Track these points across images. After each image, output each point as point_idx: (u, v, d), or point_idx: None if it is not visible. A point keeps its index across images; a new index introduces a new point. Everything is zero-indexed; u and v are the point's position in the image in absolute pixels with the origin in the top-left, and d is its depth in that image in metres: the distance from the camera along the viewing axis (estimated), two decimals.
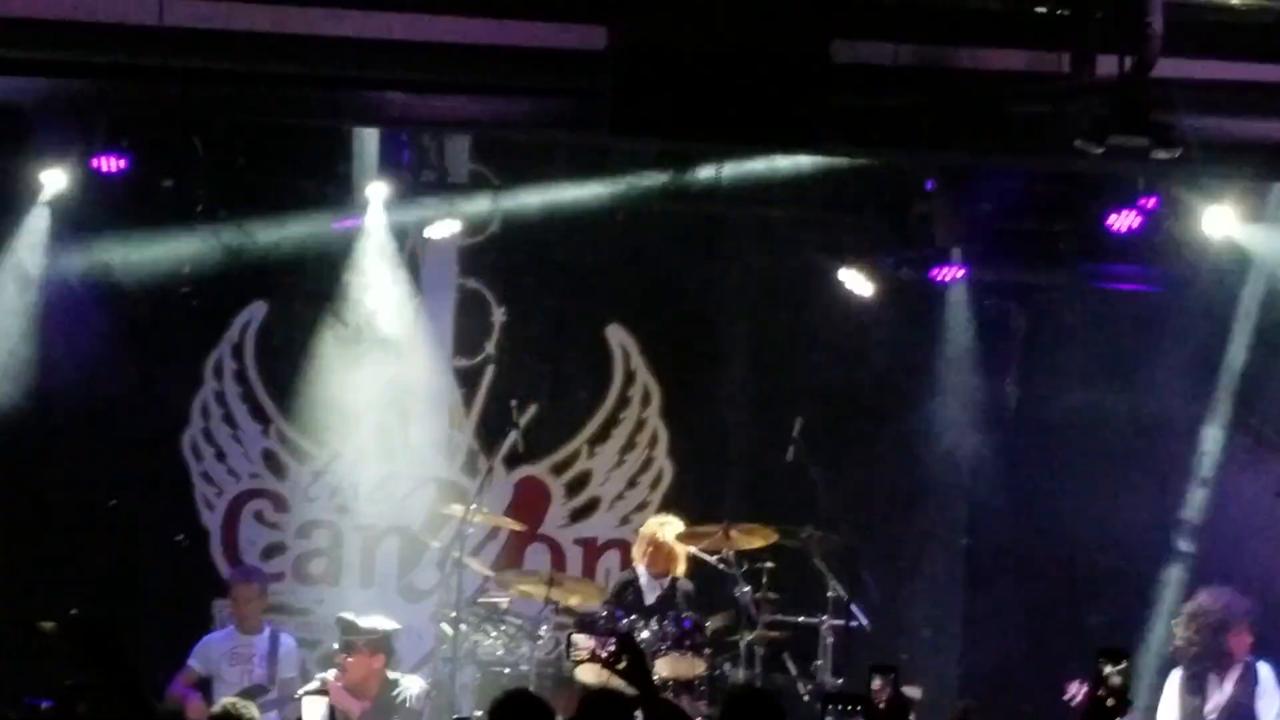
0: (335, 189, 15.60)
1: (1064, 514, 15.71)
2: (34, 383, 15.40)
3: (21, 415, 15.39)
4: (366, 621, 14.17)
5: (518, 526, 15.59)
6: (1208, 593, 13.65)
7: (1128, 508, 15.81)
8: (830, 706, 6.74)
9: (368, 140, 14.98)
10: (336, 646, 14.14)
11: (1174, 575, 15.80)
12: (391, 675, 14.11)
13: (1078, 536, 15.67)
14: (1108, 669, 7.14)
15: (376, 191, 15.25)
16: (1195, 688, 13.45)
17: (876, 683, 8.78)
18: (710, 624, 14.30)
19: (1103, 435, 15.94)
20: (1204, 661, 13.47)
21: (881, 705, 8.66)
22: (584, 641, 9.05)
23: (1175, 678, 13.62)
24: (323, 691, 12.51)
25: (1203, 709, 13.37)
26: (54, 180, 14.83)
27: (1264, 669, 13.34)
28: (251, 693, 13.97)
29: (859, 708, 6.65)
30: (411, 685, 14.08)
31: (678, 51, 11.27)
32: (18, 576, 14.82)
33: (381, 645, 14.16)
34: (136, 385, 15.82)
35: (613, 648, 8.65)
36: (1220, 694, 13.36)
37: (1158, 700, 13.73)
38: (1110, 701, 7.10)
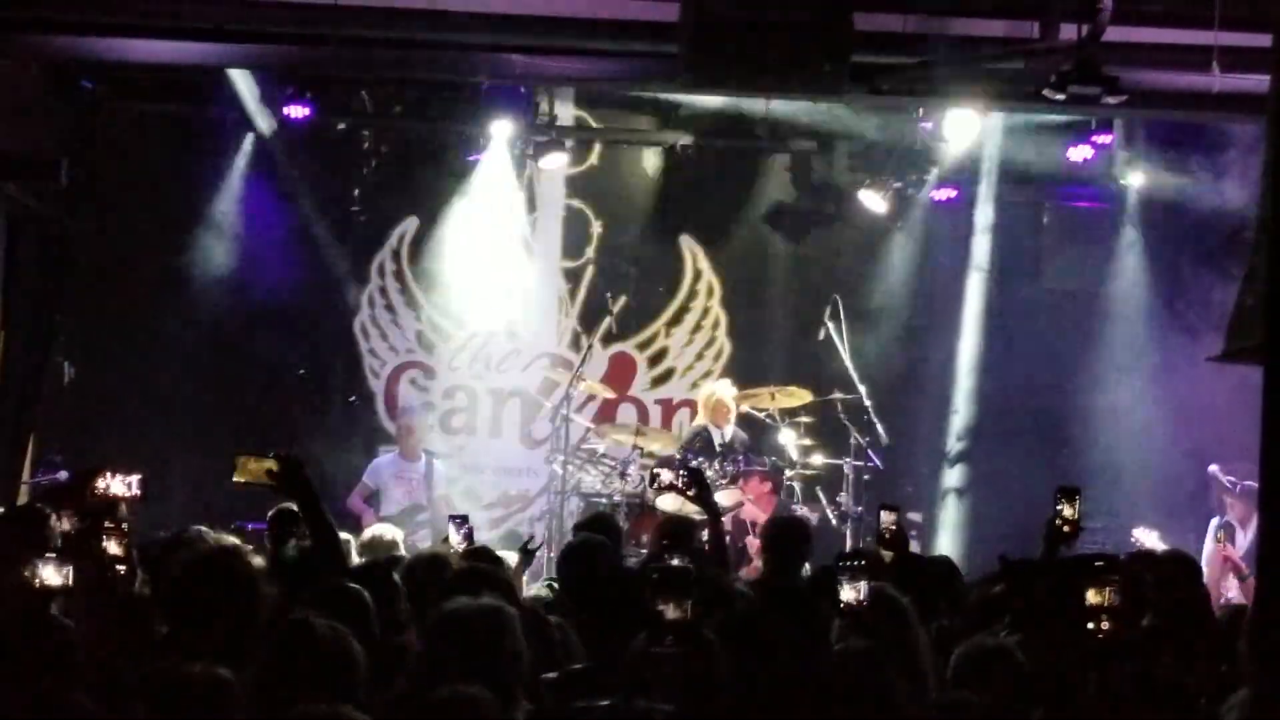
0: (469, 131, 15.74)
1: (1036, 383, 15.71)
2: (244, 279, 15.67)
3: (234, 304, 15.65)
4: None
5: (610, 393, 15.74)
6: (1217, 465, 13.60)
7: (1081, 373, 15.83)
8: (841, 564, 6.15)
9: (496, 92, 15.05)
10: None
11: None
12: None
13: (1048, 393, 15.64)
14: (1063, 504, 7.09)
15: (501, 131, 15.36)
16: (1226, 534, 13.33)
17: (884, 516, 8.71)
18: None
19: (1063, 317, 15.92)
20: (1225, 514, 13.44)
21: (888, 535, 8.73)
22: (664, 475, 8.99)
23: (1213, 524, 13.44)
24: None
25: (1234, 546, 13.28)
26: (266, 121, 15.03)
27: None
28: (410, 511, 14.11)
29: (863, 563, 6.17)
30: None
31: (734, 21, 11.28)
32: (229, 428, 15.02)
33: (771, 475, 14.28)
34: (319, 281, 16.01)
35: (686, 478, 8.78)
36: (1244, 538, 13.25)
37: None
38: (1067, 529, 7.00)
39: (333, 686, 4.87)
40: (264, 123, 15.19)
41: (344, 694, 4.85)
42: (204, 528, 8.83)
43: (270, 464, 6.67)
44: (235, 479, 6.72)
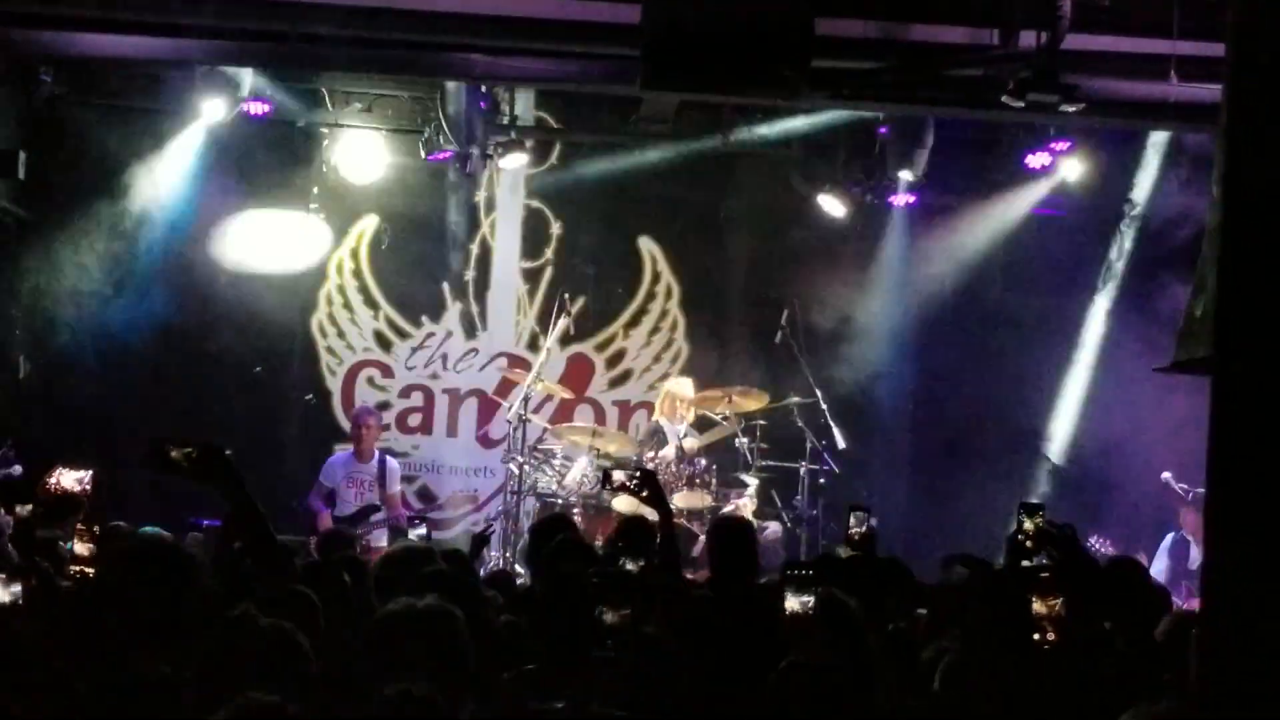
0: (428, 130, 15.71)
1: (990, 389, 15.77)
2: (201, 275, 15.62)
3: (190, 301, 15.60)
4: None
5: (568, 393, 15.74)
6: (1169, 473, 13.68)
7: (1033, 383, 15.88)
8: (788, 574, 6.02)
9: (457, 91, 15.04)
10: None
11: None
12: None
13: (1004, 402, 15.70)
14: (1025, 518, 7.13)
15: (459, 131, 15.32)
16: (1180, 547, 13.40)
17: (854, 519, 8.80)
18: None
19: (1017, 323, 15.98)
20: (1179, 527, 13.53)
21: (857, 536, 8.72)
22: (617, 475, 9.00)
23: (1168, 539, 13.59)
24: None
25: (1185, 562, 13.29)
26: (213, 114, 14.91)
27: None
28: (365, 511, 14.12)
29: (810, 572, 6.01)
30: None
31: (695, 24, 11.30)
32: (183, 423, 14.91)
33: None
34: (277, 279, 15.93)
35: (638, 479, 8.78)
36: (1198, 552, 13.28)
37: None
38: (1029, 544, 7.04)
39: (277, 682, 4.83)
40: (224, 114, 15.14)
41: (290, 690, 4.83)
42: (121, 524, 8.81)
43: (191, 451, 6.48)
44: (160, 468, 6.52)
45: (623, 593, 5.73)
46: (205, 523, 11.94)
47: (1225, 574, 4.18)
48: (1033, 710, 5.40)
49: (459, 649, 5.00)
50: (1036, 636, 5.47)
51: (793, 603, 5.89)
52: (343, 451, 14.85)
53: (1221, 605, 4.21)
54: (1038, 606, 5.49)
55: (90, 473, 7.11)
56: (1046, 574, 5.61)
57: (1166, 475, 13.60)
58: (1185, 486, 13.32)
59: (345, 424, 15.93)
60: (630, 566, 7.65)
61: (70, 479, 7.06)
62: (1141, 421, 14.44)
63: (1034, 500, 7.37)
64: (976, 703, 5.40)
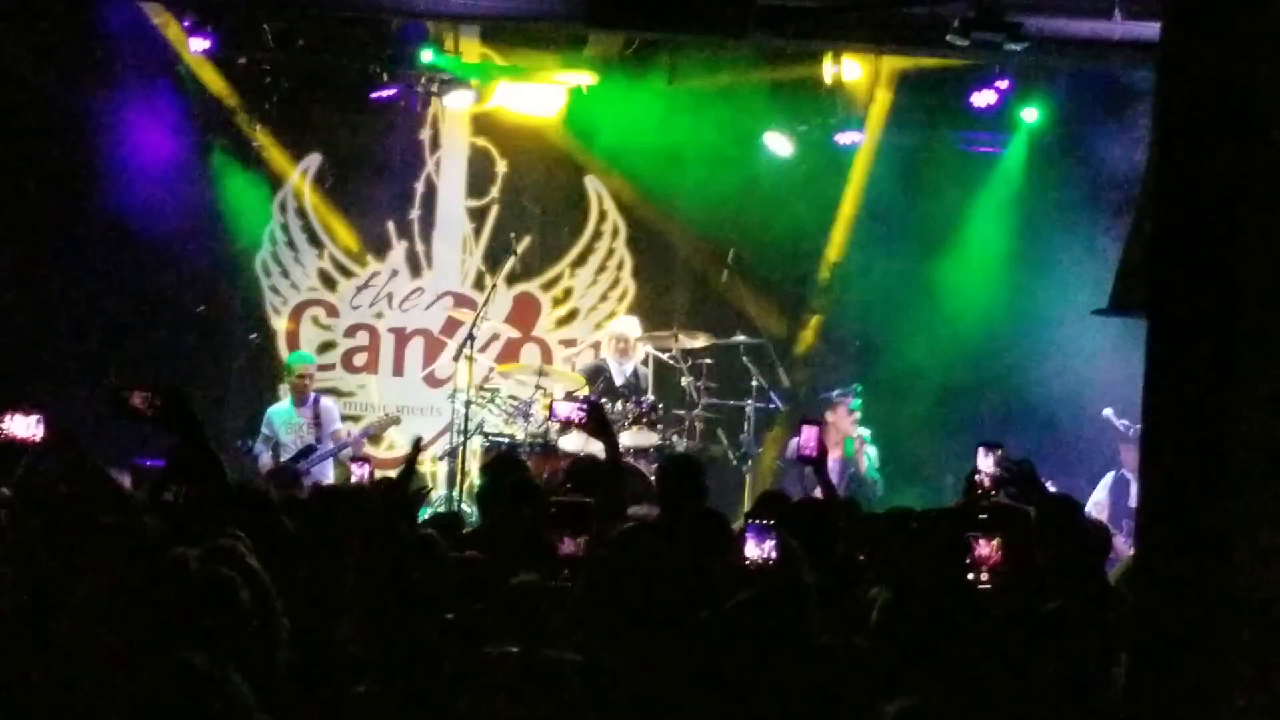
0: (373, 67, 15.63)
1: (937, 327, 15.82)
2: (142, 214, 15.50)
3: (132, 241, 15.47)
4: None
5: (514, 332, 15.72)
6: (1110, 409, 13.77)
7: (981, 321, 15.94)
8: (750, 522, 6.04)
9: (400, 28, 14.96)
10: None
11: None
12: None
13: (945, 342, 15.75)
14: (983, 456, 7.07)
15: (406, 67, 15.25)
16: (1120, 485, 13.49)
17: (805, 432, 8.62)
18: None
19: (967, 260, 16.02)
20: (1119, 466, 13.62)
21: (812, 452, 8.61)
22: (561, 408, 8.98)
23: (1109, 477, 13.70)
24: None
25: (1126, 500, 13.35)
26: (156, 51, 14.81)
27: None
28: (304, 452, 14.10)
29: (771, 522, 6.05)
30: None
31: None
32: (127, 364, 14.85)
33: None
34: (219, 217, 15.88)
35: (584, 411, 8.78)
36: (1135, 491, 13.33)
37: None
38: (986, 482, 7.03)
39: (210, 632, 4.80)
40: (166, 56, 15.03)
41: (224, 642, 4.81)
42: None
43: (153, 397, 6.46)
44: (121, 413, 6.51)
45: (582, 523, 5.75)
46: (147, 463, 11.88)
47: (1159, 516, 4.21)
48: (969, 650, 5.45)
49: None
50: (971, 578, 5.50)
51: (753, 550, 5.93)
52: (279, 404, 14.76)
53: (1155, 547, 4.24)
54: (976, 549, 5.52)
55: (41, 416, 7.06)
56: (985, 515, 5.64)
57: (1108, 411, 13.66)
58: (1126, 423, 13.38)
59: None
60: None
61: (21, 424, 7.01)
62: (1086, 358, 14.50)
63: (993, 440, 7.34)
64: (912, 642, 5.44)
